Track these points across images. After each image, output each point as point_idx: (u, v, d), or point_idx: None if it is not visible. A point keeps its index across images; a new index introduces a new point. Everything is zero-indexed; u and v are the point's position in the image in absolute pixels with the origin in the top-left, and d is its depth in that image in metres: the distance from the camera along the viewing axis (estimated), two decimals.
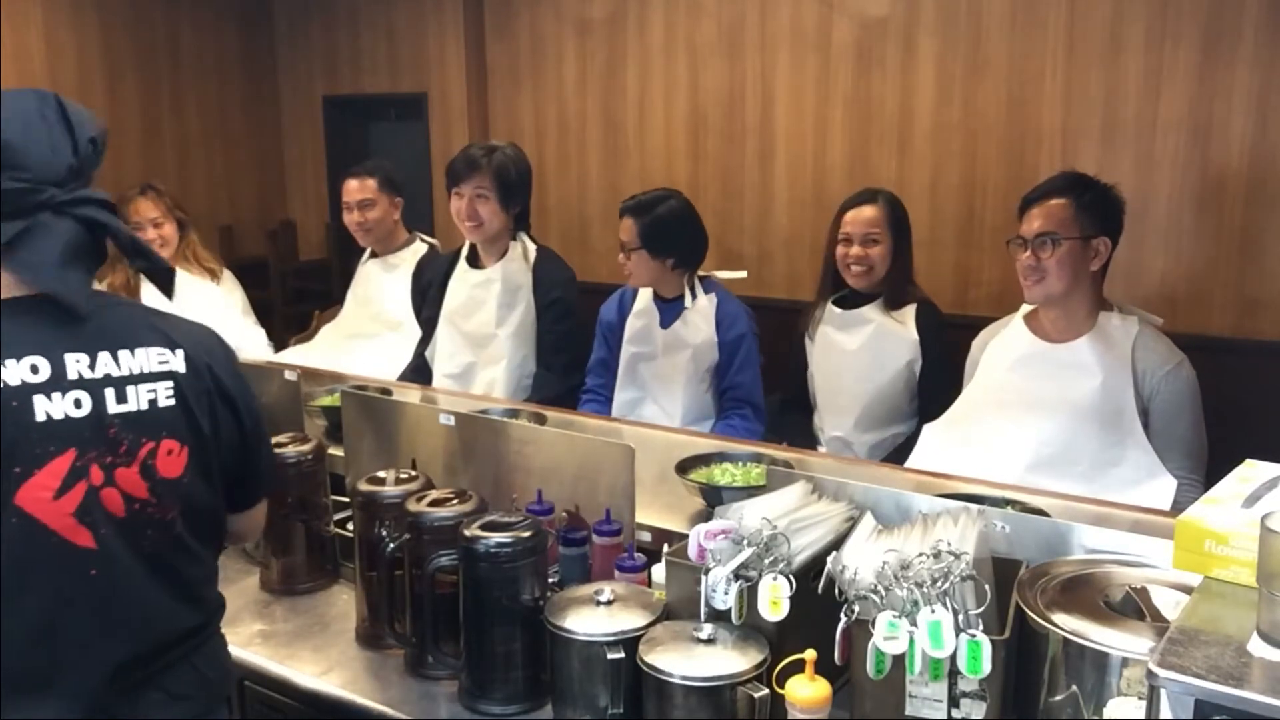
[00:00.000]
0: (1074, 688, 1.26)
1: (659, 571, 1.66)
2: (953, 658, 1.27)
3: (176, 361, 1.31)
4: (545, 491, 1.87)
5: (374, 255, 3.61)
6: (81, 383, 1.24)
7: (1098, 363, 2.31)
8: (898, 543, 1.41)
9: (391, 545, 1.68)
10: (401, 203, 3.58)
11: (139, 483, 1.26)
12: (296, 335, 3.99)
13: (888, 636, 1.28)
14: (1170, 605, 1.30)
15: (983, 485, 1.94)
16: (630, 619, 1.48)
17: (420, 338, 3.27)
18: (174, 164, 5.93)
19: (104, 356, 1.26)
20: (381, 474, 1.84)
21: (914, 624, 1.27)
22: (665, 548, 1.67)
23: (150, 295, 3.41)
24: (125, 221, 3.39)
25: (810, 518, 1.55)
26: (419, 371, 3.20)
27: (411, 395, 2.64)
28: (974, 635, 1.26)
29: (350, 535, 1.95)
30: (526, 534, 1.55)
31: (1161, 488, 2.20)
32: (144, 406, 1.27)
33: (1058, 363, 2.36)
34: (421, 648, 1.67)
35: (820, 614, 1.41)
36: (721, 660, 1.37)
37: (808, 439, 2.94)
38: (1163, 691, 0.97)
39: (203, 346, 1.37)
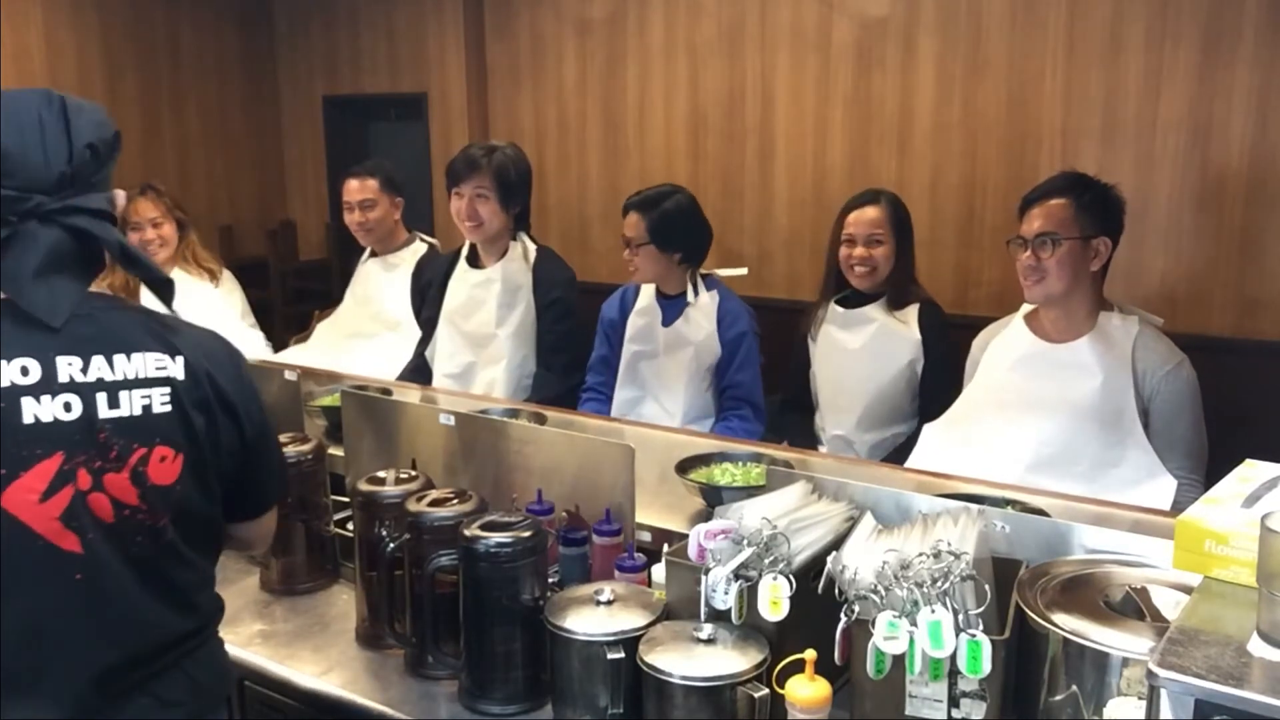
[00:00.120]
0: (1074, 688, 1.26)
1: (659, 571, 1.66)
2: (953, 658, 1.27)
3: (175, 368, 1.29)
4: (545, 491, 1.87)
5: (373, 255, 3.61)
6: (73, 386, 1.23)
7: (1098, 363, 2.31)
8: (898, 543, 1.41)
9: (391, 545, 1.68)
10: (402, 203, 3.58)
11: (129, 489, 1.24)
12: (296, 335, 3.99)
13: (888, 636, 1.28)
14: (1170, 605, 1.30)
15: (983, 485, 1.94)
16: (630, 619, 1.48)
17: (420, 338, 3.27)
18: (174, 164, 5.93)
19: (98, 360, 1.25)
20: (381, 474, 1.84)
21: (914, 624, 1.27)
22: (665, 548, 1.67)
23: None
24: (126, 223, 3.40)
25: (810, 518, 1.55)
26: (419, 371, 3.20)
27: (411, 395, 2.64)
28: (974, 635, 1.26)
29: (350, 535, 1.95)
30: (526, 534, 1.55)
31: (1161, 488, 2.20)
32: (137, 412, 1.25)
33: (1058, 363, 2.36)
34: (421, 648, 1.67)
35: (820, 614, 1.41)
36: (721, 660, 1.37)
37: (808, 439, 2.94)
38: (1163, 691, 0.97)
39: (206, 353, 1.34)
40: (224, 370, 1.35)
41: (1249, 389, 3.37)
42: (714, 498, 1.94)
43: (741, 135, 4.73)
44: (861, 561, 1.36)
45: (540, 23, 5.32)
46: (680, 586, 1.50)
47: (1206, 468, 2.32)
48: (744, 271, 3.21)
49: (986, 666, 1.26)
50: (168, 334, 1.32)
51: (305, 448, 2.02)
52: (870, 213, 2.83)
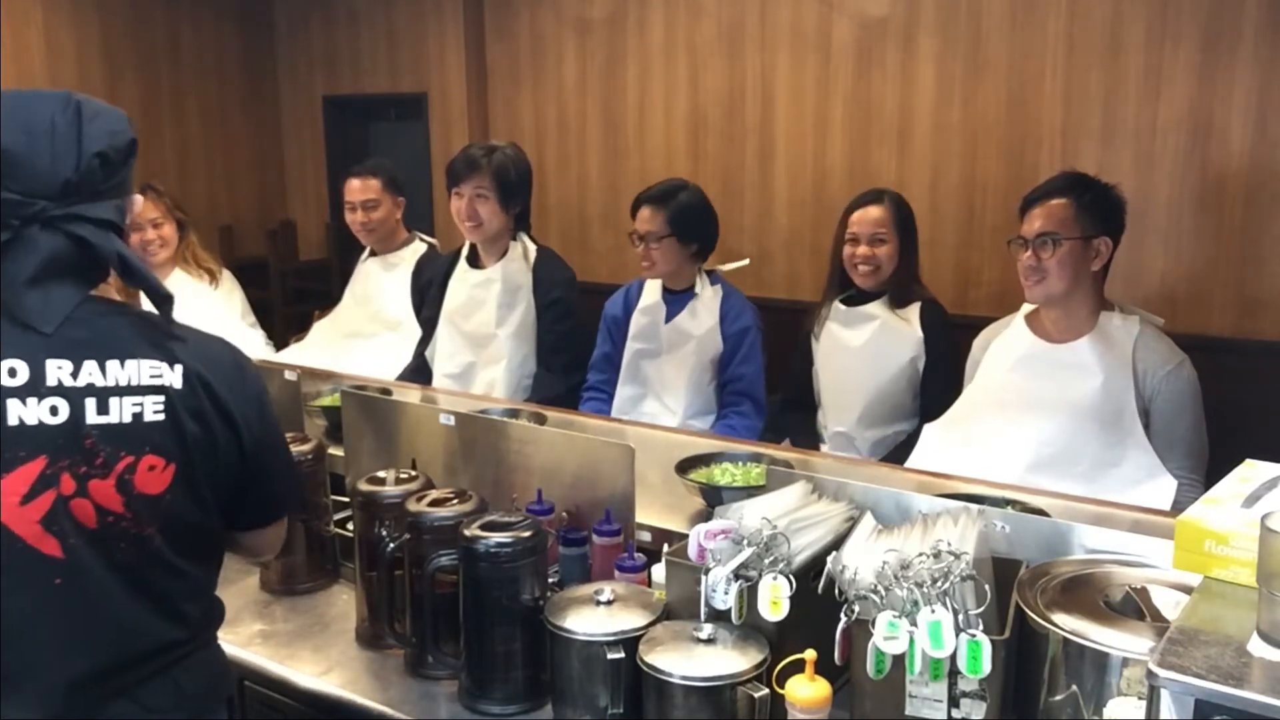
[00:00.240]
0: (1074, 688, 1.26)
1: (659, 571, 1.66)
2: (953, 658, 1.27)
3: (171, 376, 1.26)
4: (545, 491, 1.87)
5: (373, 254, 3.61)
6: (60, 390, 1.21)
7: (1098, 363, 2.31)
8: (898, 543, 1.41)
9: (391, 545, 1.68)
10: (404, 202, 3.59)
11: (114, 496, 1.22)
12: (296, 335, 3.99)
13: (888, 636, 1.28)
14: (1170, 605, 1.30)
15: (983, 485, 1.94)
16: (630, 619, 1.48)
17: (420, 338, 3.27)
18: (174, 164, 5.94)
19: (90, 365, 1.23)
20: (381, 474, 1.83)
21: (914, 624, 1.27)
22: (665, 548, 1.67)
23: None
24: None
25: (810, 518, 1.55)
26: (419, 371, 3.20)
27: (411, 395, 2.64)
28: (974, 635, 1.26)
29: (350, 535, 1.95)
30: (526, 534, 1.55)
31: (1162, 488, 2.20)
32: (127, 420, 1.23)
33: (1058, 363, 2.36)
34: (421, 648, 1.67)
35: (820, 614, 1.41)
36: (721, 660, 1.37)
37: (810, 437, 2.95)
38: (1163, 691, 0.97)
39: (207, 362, 1.31)
40: (225, 380, 1.32)
41: (1249, 389, 3.37)
42: (714, 498, 1.94)
43: (741, 135, 4.73)
44: (861, 561, 1.36)
45: (540, 23, 5.32)
46: (680, 586, 1.49)
47: (1206, 468, 2.32)
48: (745, 262, 3.22)
49: (986, 666, 1.26)
50: (168, 341, 1.29)
51: (305, 448, 2.02)
52: (874, 212, 2.84)
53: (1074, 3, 3.81)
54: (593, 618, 1.48)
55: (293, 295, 6.32)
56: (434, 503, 1.69)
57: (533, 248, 3.07)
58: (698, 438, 2.51)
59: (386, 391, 2.45)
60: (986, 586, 1.31)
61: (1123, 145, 3.77)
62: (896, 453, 2.75)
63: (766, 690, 1.36)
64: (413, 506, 1.68)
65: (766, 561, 1.41)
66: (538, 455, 1.92)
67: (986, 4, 4.00)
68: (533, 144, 5.25)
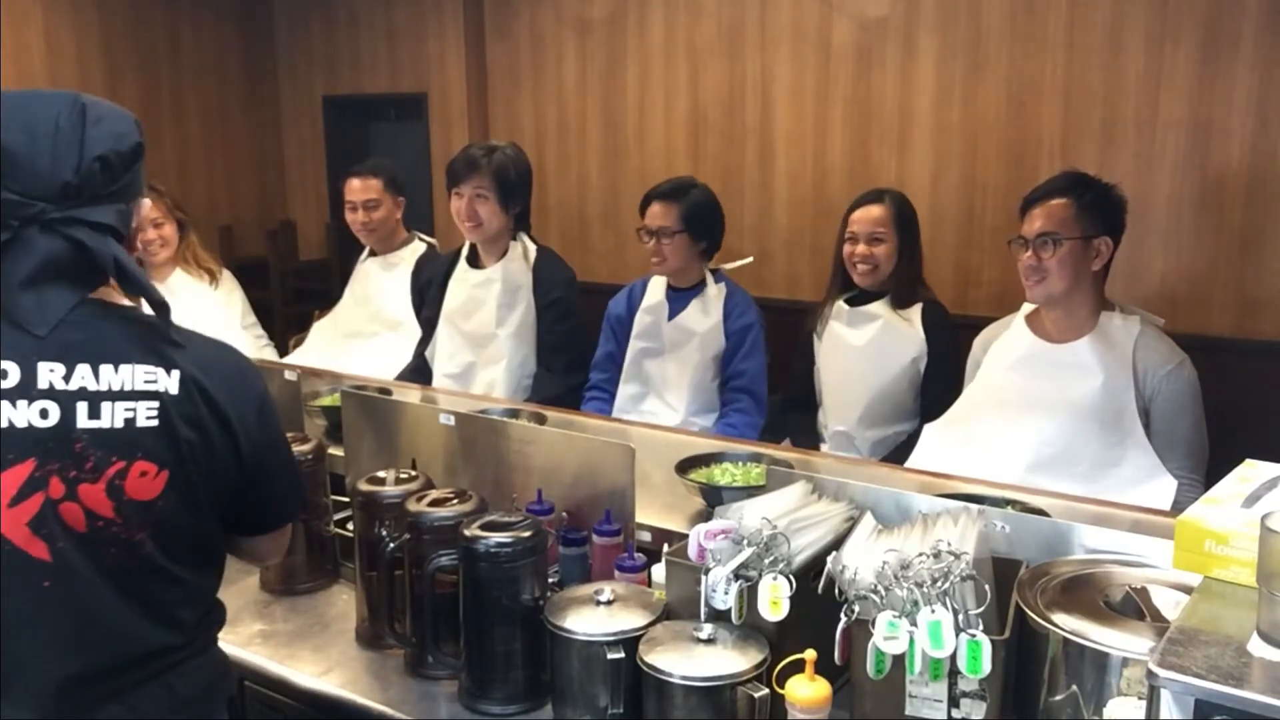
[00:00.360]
0: (1074, 688, 1.26)
1: (659, 571, 1.66)
2: (953, 658, 1.27)
3: (166, 382, 1.25)
4: (545, 491, 1.87)
5: (372, 254, 3.61)
6: (52, 393, 1.20)
7: (1098, 363, 2.31)
8: (898, 543, 1.41)
9: (391, 545, 1.68)
10: (404, 202, 3.59)
11: (104, 501, 1.21)
12: (295, 336, 3.99)
13: (888, 636, 1.28)
14: (1170, 605, 1.30)
15: (983, 485, 1.94)
16: (630, 619, 1.48)
17: (420, 338, 3.27)
18: (174, 164, 5.94)
19: (83, 369, 1.22)
20: (381, 474, 1.83)
21: (914, 624, 1.27)
22: (665, 548, 1.67)
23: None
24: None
25: (810, 518, 1.55)
26: (419, 371, 3.20)
27: (411, 395, 2.64)
28: (974, 635, 1.26)
29: (350, 535, 1.95)
30: (526, 534, 1.55)
31: (1162, 488, 2.20)
32: (119, 425, 1.21)
33: (1058, 363, 2.36)
34: (421, 648, 1.67)
35: (820, 614, 1.41)
36: (721, 660, 1.37)
37: (811, 436, 2.95)
38: (1163, 691, 0.97)
39: (206, 368, 1.29)
40: (224, 386, 1.30)
41: (1249, 389, 3.37)
42: (714, 498, 1.94)
43: (741, 135, 4.73)
44: (861, 561, 1.36)
45: (540, 23, 5.32)
46: (680, 586, 1.49)
47: (1206, 468, 2.32)
48: (749, 260, 3.23)
49: (986, 666, 1.26)
50: (166, 346, 1.28)
51: (305, 448, 2.02)
52: (874, 211, 2.85)
53: (1074, 3, 3.81)
54: (593, 618, 1.48)
55: (293, 295, 6.32)
56: (434, 503, 1.69)
57: (533, 248, 3.07)
58: (698, 438, 2.51)
59: (386, 391, 2.45)
60: (986, 586, 1.31)
61: (1123, 145, 3.77)
62: (897, 453, 2.75)
63: (766, 690, 1.36)
64: (413, 506, 1.68)
65: (766, 561, 1.41)
66: (538, 455, 1.92)
67: (986, 4, 4.00)
68: (533, 144, 5.25)
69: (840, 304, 2.91)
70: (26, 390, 1.20)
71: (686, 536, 1.51)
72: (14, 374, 1.20)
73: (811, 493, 1.64)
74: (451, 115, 5.72)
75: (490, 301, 3.01)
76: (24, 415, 1.19)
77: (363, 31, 6.06)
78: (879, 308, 2.85)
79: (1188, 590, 1.21)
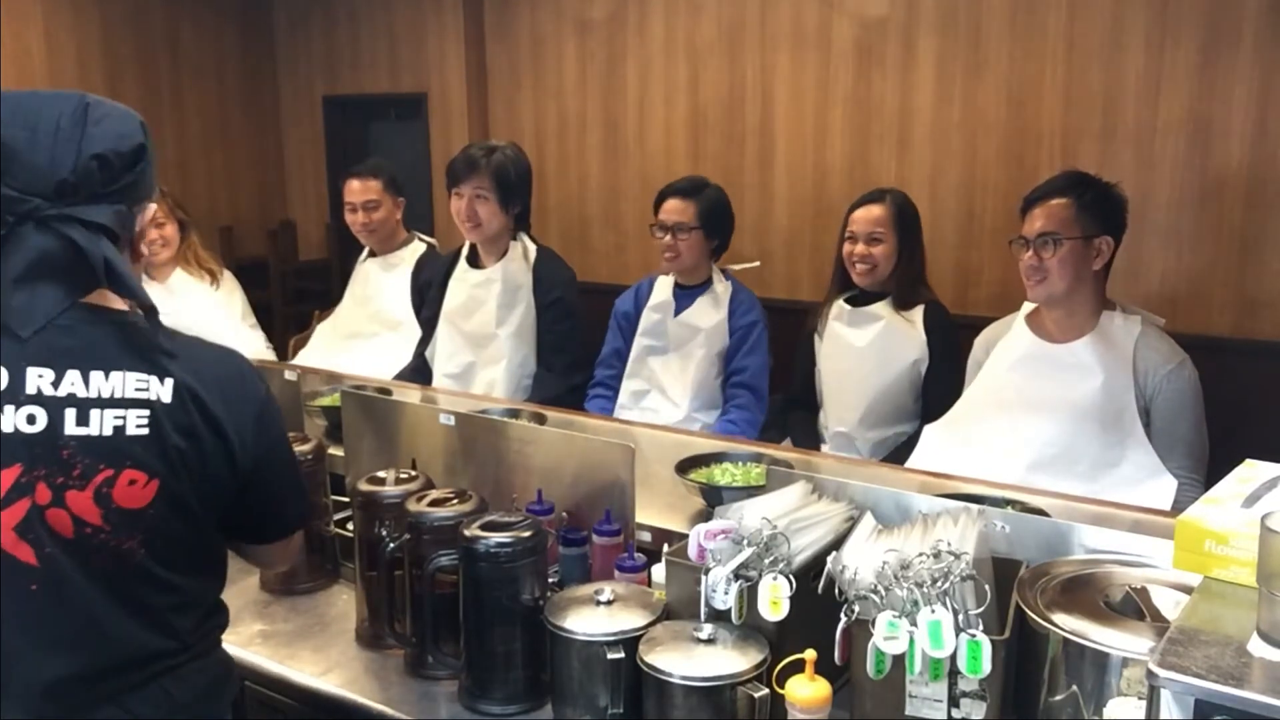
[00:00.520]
0: (1074, 688, 1.26)
1: (659, 571, 1.66)
2: (953, 658, 1.27)
3: (159, 390, 1.23)
4: (545, 491, 1.87)
5: (372, 254, 3.61)
6: (40, 399, 1.19)
7: (1099, 363, 2.31)
8: (898, 543, 1.40)
9: (391, 545, 1.68)
10: (404, 203, 3.59)
11: (91, 508, 1.19)
12: (296, 336, 3.99)
13: (888, 636, 1.28)
14: (1170, 605, 1.30)
15: (983, 485, 1.94)
16: (630, 619, 1.48)
17: (420, 338, 3.27)
18: (174, 164, 5.94)
19: (72, 375, 1.20)
20: (381, 474, 1.83)
21: (914, 624, 1.27)
22: (665, 548, 1.67)
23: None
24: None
25: (810, 518, 1.55)
26: (418, 372, 3.20)
27: (411, 395, 2.64)
28: (974, 635, 1.26)
29: (350, 535, 1.95)
30: (526, 534, 1.55)
31: (1162, 488, 2.20)
32: (107, 432, 1.20)
33: (1059, 363, 2.36)
34: (421, 648, 1.67)
35: (820, 614, 1.41)
36: (721, 660, 1.37)
37: (811, 436, 2.95)
38: (1163, 691, 0.97)
39: (202, 376, 1.27)
40: (220, 394, 1.28)
41: (1249, 389, 3.37)
42: (714, 498, 1.94)
43: (741, 135, 4.73)
44: (861, 561, 1.36)
45: (540, 23, 5.32)
46: (680, 586, 1.49)
47: (1207, 468, 2.32)
48: (757, 264, 3.26)
49: (986, 666, 1.26)
50: (160, 354, 1.26)
51: (305, 448, 2.01)
52: (874, 211, 2.85)
53: (1074, 3, 3.81)
54: (593, 618, 1.48)
55: (293, 295, 6.32)
56: (434, 503, 1.69)
57: (533, 247, 3.07)
58: (698, 438, 2.51)
59: (386, 391, 2.45)
60: (986, 586, 1.31)
61: (1123, 145, 3.77)
62: (897, 453, 2.75)
63: (766, 690, 1.36)
64: (413, 506, 1.68)
65: (766, 561, 1.41)
66: (538, 455, 1.92)
67: (986, 4, 4.00)
68: (533, 144, 5.26)
69: (841, 304, 2.91)
70: (15, 395, 1.19)
71: (686, 536, 1.51)
72: (2, 379, 1.19)
73: (811, 493, 1.64)
74: (451, 115, 5.72)
75: (490, 301, 3.01)
76: (10, 420, 1.19)
77: (363, 31, 6.06)
78: (882, 308, 2.85)
79: (1188, 590, 1.21)
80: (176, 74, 6.01)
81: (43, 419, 1.19)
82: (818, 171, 4.53)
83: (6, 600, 1.19)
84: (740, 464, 2.10)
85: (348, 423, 2.18)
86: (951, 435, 2.45)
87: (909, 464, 2.45)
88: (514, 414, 2.33)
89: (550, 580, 1.71)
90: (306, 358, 3.52)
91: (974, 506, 1.50)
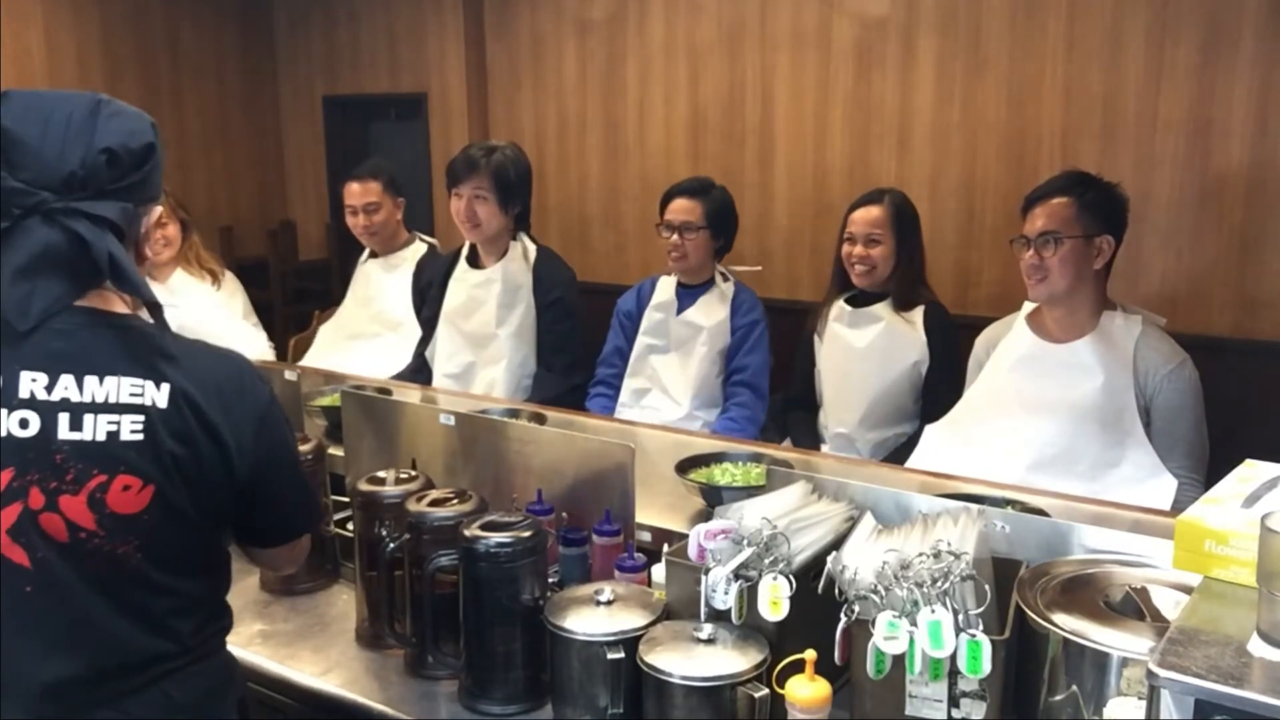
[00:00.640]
0: (1074, 688, 1.26)
1: (659, 571, 1.66)
2: (953, 658, 1.27)
3: (155, 395, 1.22)
4: (545, 491, 1.87)
5: (373, 255, 3.61)
6: (33, 403, 1.19)
7: (1099, 363, 2.31)
8: (898, 543, 1.40)
9: (391, 545, 1.68)
10: (404, 203, 3.59)
11: (85, 513, 1.19)
12: (296, 336, 3.99)
13: (888, 636, 1.28)
14: (1170, 605, 1.30)
15: (983, 485, 1.95)
16: (630, 619, 1.47)
17: (420, 338, 3.28)
18: (174, 164, 5.91)
19: (66, 379, 1.20)
20: (381, 474, 1.83)
21: (914, 624, 1.27)
22: (665, 548, 1.67)
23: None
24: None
25: (810, 518, 1.55)
26: (419, 372, 3.20)
27: (411, 395, 2.64)
28: (974, 635, 1.26)
29: (350, 535, 1.95)
30: (526, 534, 1.55)
31: (1162, 487, 2.20)
32: (100, 438, 1.19)
33: (1059, 363, 2.36)
34: (421, 648, 1.67)
35: (820, 614, 1.41)
36: (721, 660, 1.37)
37: (812, 436, 2.96)
38: (1163, 691, 0.97)
39: (201, 382, 1.26)
40: (219, 400, 1.27)
41: (1249, 389, 3.37)
42: (714, 498, 1.94)
43: (741, 135, 4.73)
44: (861, 561, 1.36)
45: (540, 23, 5.32)
46: (680, 586, 1.49)
47: (1207, 468, 2.32)
48: (759, 269, 3.27)
49: (986, 666, 1.26)
50: (158, 359, 1.25)
51: (305, 448, 2.01)
52: (872, 212, 2.85)
53: (1074, 3, 3.81)
54: (593, 618, 1.48)
55: (293, 295, 6.32)
56: (434, 503, 1.69)
57: (533, 247, 3.07)
58: (698, 438, 2.51)
59: (386, 391, 2.45)
60: (986, 586, 1.31)
61: (1123, 145, 3.77)
62: (897, 454, 2.75)
63: (766, 690, 1.36)
64: (413, 506, 1.68)
65: (766, 561, 1.41)
66: (538, 455, 1.92)
67: (986, 4, 4.00)
68: (533, 144, 5.26)
69: (841, 305, 2.91)
70: (7, 400, 1.19)
71: (686, 536, 1.51)
72: None
73: (811, 493, 1.64)
74: (451, 115, 5.72)
75: (490, 301, 3.01)
76: (4, 424, 1.18)
77: (363, 31, 6.06)
78: (881, 309, 2.85)
79: (1188, 590, 1.21)
80: (176, 74, 6.01)
81: (35, 423, 1.19)
82: (818, 171, 4.53)
83: (4, 601, 1.19)
84: (740, 464, 2.10)
85: (348, 423, 2.18)
86: (952, 435, 2.45)
87: (909, 464, 2.45)
88: (514, 414, 2.33)
89: (550, 580, 1.71)
90: (308, 359, 3.52)
91: (974, 506, 1.50)
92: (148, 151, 1.28)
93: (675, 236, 2.98)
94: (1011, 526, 1.55)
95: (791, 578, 1.39)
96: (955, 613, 1.27)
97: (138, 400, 1.22)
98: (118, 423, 1.21)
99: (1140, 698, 1.18)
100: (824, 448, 2.91)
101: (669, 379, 3.01)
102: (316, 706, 1.67)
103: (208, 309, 3.41)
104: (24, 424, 1.19)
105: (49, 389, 1.20)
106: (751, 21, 4.61)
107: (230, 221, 6.32)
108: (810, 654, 1.35)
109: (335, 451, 2.20)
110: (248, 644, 1.80)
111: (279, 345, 3.87)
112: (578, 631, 1.45)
